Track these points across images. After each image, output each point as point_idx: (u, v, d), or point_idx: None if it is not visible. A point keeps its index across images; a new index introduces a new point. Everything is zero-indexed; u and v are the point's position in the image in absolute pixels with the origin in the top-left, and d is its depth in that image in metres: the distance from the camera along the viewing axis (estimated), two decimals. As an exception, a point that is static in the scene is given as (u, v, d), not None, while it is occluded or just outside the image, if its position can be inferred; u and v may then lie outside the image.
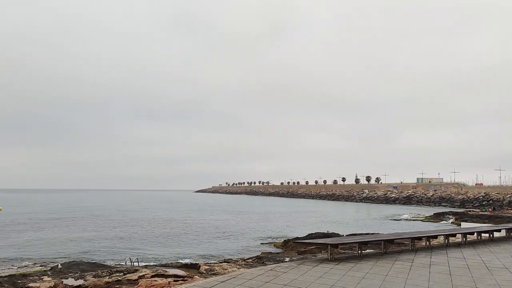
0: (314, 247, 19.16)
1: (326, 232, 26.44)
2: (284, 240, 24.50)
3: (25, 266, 18.12)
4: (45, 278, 13.02)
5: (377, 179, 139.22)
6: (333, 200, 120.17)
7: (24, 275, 13.69)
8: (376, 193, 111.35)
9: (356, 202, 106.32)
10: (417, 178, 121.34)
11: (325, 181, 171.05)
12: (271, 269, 10.14)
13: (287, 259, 17.35)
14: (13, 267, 18.07)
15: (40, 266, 18.01)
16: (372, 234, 23.71)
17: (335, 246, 13.53)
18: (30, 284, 11.93)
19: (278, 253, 21.15)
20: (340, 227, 35.72)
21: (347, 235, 22.54)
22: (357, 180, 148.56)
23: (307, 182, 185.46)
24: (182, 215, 54.47)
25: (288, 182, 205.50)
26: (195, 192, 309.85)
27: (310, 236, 23.68)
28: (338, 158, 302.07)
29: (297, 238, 24.15)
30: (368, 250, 15.35)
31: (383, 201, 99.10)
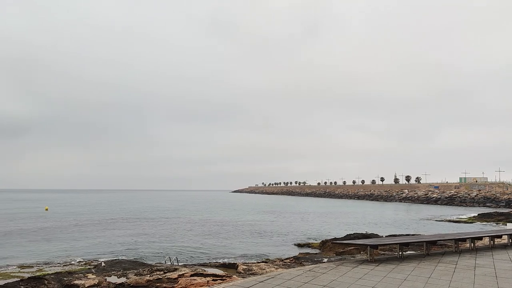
0: (352, 248, 18.87)
1: (364, 232, 25.98)
2: (322, 241, 24.25)
3: (70, 264, 18.81)
4: (90, 275, 13.45)
5: (417, 179, 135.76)
6: (372, 200, 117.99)
7: (69, 273, 14.19)
8: (416, 193, 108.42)
9: (396, 202, 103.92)
10: (459, 178, 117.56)
11: (363, 181, 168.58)
12: (309, 270, 10.06)
13: (325, 259, 17.17)
14: (59, 264, 18.79)
15: (85, 264, 18.64)
16: (413, 235, 23.08)
17: (375, 247, 13.28)
18: (76, 282, 12.35)
19: (315, 253, 20.96)
20: (379, 228, 35.01)
21: (386, 236, 22.06)
22: (396, 180, 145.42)
23: (344, 182, 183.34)
24: (219, 215, 54.96)
25: (325, 182, 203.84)
26: (232, 192, 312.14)
27: (348, 236, 23.30)
28: (376, 158, 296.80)
29: (335, 238, 23.85)
30: (409, 252, 15.00)
31: (424, 201, 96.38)
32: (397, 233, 26.45)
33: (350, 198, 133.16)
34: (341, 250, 19.59)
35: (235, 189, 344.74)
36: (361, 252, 18.18)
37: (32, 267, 18.10)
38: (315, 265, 11.87)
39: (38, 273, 15.68)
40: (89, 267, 17.07)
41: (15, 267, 18.08)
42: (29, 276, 13.83)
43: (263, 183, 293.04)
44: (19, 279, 12.94)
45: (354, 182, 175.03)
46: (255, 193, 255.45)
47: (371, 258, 11.93)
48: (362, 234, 24.55)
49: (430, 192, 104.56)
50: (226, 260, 19.03)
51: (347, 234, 24.79)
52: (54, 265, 18.62)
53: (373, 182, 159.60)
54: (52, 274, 13.89)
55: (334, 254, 19.46)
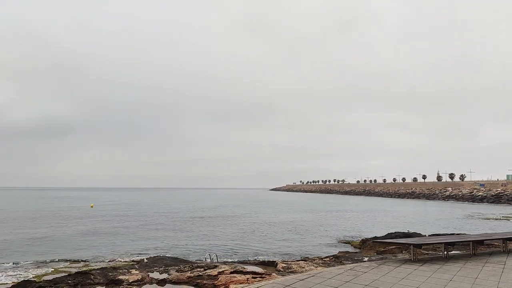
0: (394, 247, 18.46)
1: (406, 231, 25.30)
2: (362, 239, 23.87)
3: (114, 260, 19.40)
4: (133, 271, 13.82)
5: (462, 177, 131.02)
6: (413, 198, 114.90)
7: (114, 268, 14.64)
8: (460, 191, 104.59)
9: (439, 200, 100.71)
10: (507, 175, 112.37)
11: (403, 179, 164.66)
12: (350, 269, 9.91)
13: (366, 258, 16.87)
14: (104, 260, 19.43)
15: (128, 260, 19.18)
16: (458, 234, 22.31)
17: (419, 246, 12.92)
18: (120, 277, 12.72)
19: (355, 252, 20.64)
20: (421, 227, 34.02)
21: (430, 235, 21.43)
22: (439, 178, 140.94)
23: (384, 180, 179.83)
24: (257, 213, 55.13)
25: (365, 180, 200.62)
26: (270, 190, 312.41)
27: (389, 235, 22.80)
28: (416, 155, 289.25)
29: (376, 237, 23.39)
30: (454, 252, 14.49)
31: (469, 199, 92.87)
32: (441, 232, 25.64)
33: (391, 197, 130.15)
34: (382, 249, 19.20)
35: (273, 187, 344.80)
36: (403, 252, 17.76)
37: (79, 262, 18.81)
38: (356, 264, 11.68)
39: (84, 268, 16.27)
40: (132, 263, 17.55)
41: (63, 262, 18.85)
42: (76, 271, 14.38)
43: (301, 181, 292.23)
44: (67, 274, 13.47)
45: (394, 180, 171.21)
46: (293, 191, 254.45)
47: (414, 257, 11.61)
48: (403, 233, 23.93)
49: (475, 190, 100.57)
50: (265, 258, 19.06)
51: (388, 233, 24.27)
52: (100, 260, 19.27)
53: (415, 180, 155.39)
54: (98, 269, 14.38)
55: (375, 253, 19.09)
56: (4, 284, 13.96)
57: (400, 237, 20.25)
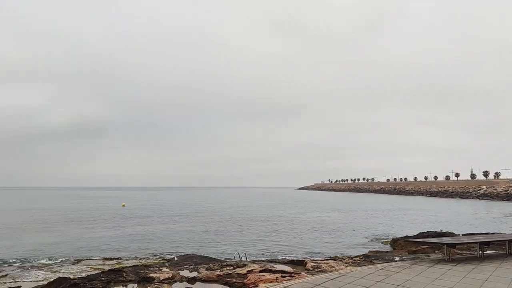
0: (427, 246, 18.06)
1: (439, 231, 24.71)
2: (393, 239, 23.47)
3: (146, 258, 19.76)
4: (164, 269, 14.02)
5: (496, 174, 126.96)
6: (446, 197, 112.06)
7: (145, 266, 14.89)
8: (495, 189, 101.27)
9: (472, 199, 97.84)
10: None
11: (435, 177, 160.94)
12: (381, 268, 9.74)
13: (397, 258, 16.56)
14: (135, 258, 19.82)
15: (159, 258, 19.49)
16: (493, 233, 21.65)
17: (453, 246, 12.60)
18: (151, 275, 12.93)
19: (386, 252, 20.29)
20: (455, 226, 33.15)
21: (463, 235, 20.87)
22: (472, 176, 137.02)
23: (415, 179, 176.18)
24: (285, 212, 55.01)
25: (395, 179, 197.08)
26: (298, 189, 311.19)
27: (421, 235, 22.33)
28: (450, 153, 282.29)
29: (407, 236, 22.95)
30: (489, 251, 14.06)
31: (504, 198, 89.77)
32: (475, 232, 24.91)
33: (422, 195, 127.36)
34: (414, 249, 18.81)
35: (301, 186, 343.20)
36: (436, 251, 17.36)
37: (111, 259, 19.24)
38: (387, 263, 11.48)
39: (117, 266, 16.63)
40: (163, 261, 17.81)
41: (97, 259, 19.33)
42: (109, 268, 14.70)
43: (329, 180, 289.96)
44: (100, 271, 13.79)
45: (426, 178, 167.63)
46: (322, 190, 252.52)
47: (448, 257, 11.33)
48: (436, 232, 23.38)
49: (511, 188, 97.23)
50: (293, 257, 18.98)
51: (420, 232, 23.78)
52: (131, 258, 19.66)
53: (447, 178, 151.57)
54: (129, 267, 14.66)
55: (407, 253, 18.72)
56: (40, 281, 14.44)
57: (433, 237, 19.82)
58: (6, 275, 15.80)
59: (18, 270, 16.92)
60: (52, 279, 12.85)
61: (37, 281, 14.44)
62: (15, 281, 14.50)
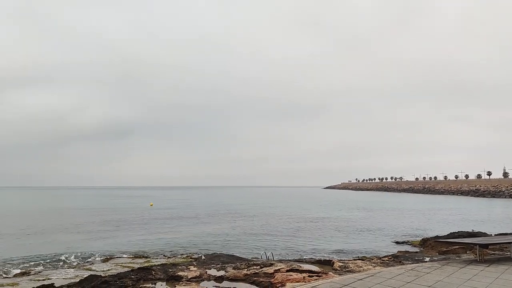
0: (458, 247, 17.63)
1: (471, 231, 24.08)
2: (423, 239, 23.01)
3: (174, 256, 20.02)
4: (192, 267, 14.17)
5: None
6: (477, 196, 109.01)
7: (174, 264, 15.10)
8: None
9: (506, 198, 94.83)
10: None
11: (466, 176, 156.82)
12: (411, 269, 9.56)
13: (427, 259, 16.23)
14: (164, 256, 20.11)
15: (186, 256, 19.71)
16: (528, 234, 20.90)
17: (485, 246, 12.26)
18: (179, 273, 13.09)
19: (416, 252, 19.92)
20: (486, 226, 32.21)
21: (496, 235, 20.29)
22: (505, 174, 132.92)
23: (445, 177, 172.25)
24: (312, 211, 54.69)
25: (424, 178, 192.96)
26: (324, 188, 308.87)
27: (452, 235, 21.80)
28: (481, 151, 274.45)
29: (437, 236, 22.46)
30: (524, 252, 13.59)
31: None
32: (508, 232, 24.15)
33: (453, 194, 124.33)
34: (445, 249, 18.40)
35: (327, 186, 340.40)
36: (468, 252, 16.91)
37: (140, 258, 19.60)
38: (417, 264, 11.27)
39: (146, 264, 16.92)
40: (190, 259, 18.01)
41: (126, 257, 19.73)
42: (139, 266, 14.98)
43: (356, 179, 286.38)
44: (130, 269, 14.05)
45: (456, 177, 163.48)
46: (349, 189, 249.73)
47: (480, 258, 11.03)
48: (467, 232, 22.78)
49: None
50: (320, 257, 18.85)
51: (451, 232, 23.23)
52: (160, 257, 19.97)
53: (479, 176, 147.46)
54: (158, 265, 14.89)
55: (437, 253, 18.34)
56: (71, 278, 14.83)
57: (464, 237, 19.33)
58: (39, 272, 16.30)
59: (50, 267, 17.43)
60: (84, 277, 13.18)
61: (68, 278, 14.84)
62: (48, 279, 14.94)
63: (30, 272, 16.22)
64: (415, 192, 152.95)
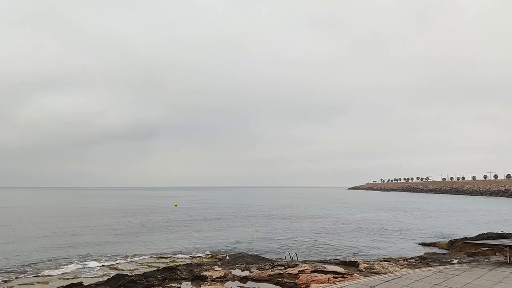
0: (487, 248, 17.19)
1: (500, 232, 23.46)
2: (450, 240, 22.53)
3: (198, 256, 20.18)
4: (216, 268, 14.26)
5: None
6: (507, 196, 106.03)
7: (198, 264, 15.22)
8: None
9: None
10: None
11: (495, 176, 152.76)
12: (439, 271, 9.38)
13: (455, 261, 15.88)
14: (188, 256, 20.29)
15: (211, 257, 19.85)
16: (562, 236, 20.20)
17: (515, 248, 11.89)
18: (204, 273, 13.19)
19: (443, 254, 19.53)
20: (518, 227, 31.31)
21: (528, 237, 19.65)
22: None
23: (474, 177, 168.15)
24: (336, 212, 54.23)
25: (451, 178, 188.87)
26: (348, 189, 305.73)
27: (481, 236, 21.26)
28: (511, 150, 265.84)
29: (466, 238, 21.95)
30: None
31: None
32: (541, 234, 23.40)
33: (481, 195, 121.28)
34: (473, 251, 17.97)
35: (351, 186, 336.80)
36: (497, 254, 16.47)
37: (166, 257, 19.83)
38: (445, 266, 11.04)
39: (171, 264, 17.12)
40: (215, 259, 18.13)
41: (152, 257, 20.00)
42: (164, 266, 15.16)
43: (381, 180, 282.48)
44: (155, 269, 14.24)
45: (485, 177, 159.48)
46: (373, 189, 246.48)
47: (510, 260, 10.72)
48: (497, 233, 22.19)
49: None
50: (345, 258, 18.68)
51: (479, 234, 22.66)
52: (185, 257, 20.16)
53: (508, 176, 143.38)
54: (183, 265, 15.05)
55: (465, 255, 17.92)
56: (99, 277, 15.14)
57: (493, 238, 18.84)
58: (68, 271, 16.70)
59: (79, 266, 17.83)
60: (111, 276, 13.44)
61: (96, 277, 15.15)
62: (77, 277, 15.30)
63: (59, 271, 16.63)
64: (442, 193, 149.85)
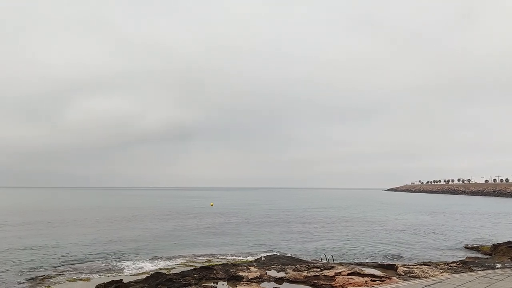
0: (534, 254, 16.44)
1: (548, 237, 22.40)
2: (493, 244, 21.69)
3: (234, 257, 20.33)
4: (252, 268, 14.32)
5: None
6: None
7: (234, 265, 15.32)
8: None
9: None
10: None
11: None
12: (482, 276, 9.05)
13: (499, 265, 15.28)
14: (224, 256, 20.47)
15: (246, 257, 19.94)
16: None
17: None
18: (240, 273, 13.27)
19: (486, 258, 18.83)
20: None
21: None
22: None
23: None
24: (373, 214, 53.30)
25: (494, 180, 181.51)
26: (386, 190, 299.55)
27: (527, 241, 20.37)
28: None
29: (510, 242, 21.06)
30: None
31: None
32: None
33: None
34: (519, 256, 17.24)
35: (389, 188, 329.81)
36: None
37: (202, 257, 20.09)
38: (488, 271, 10.65)
39: (207, 263, 17.34)
40: (250, 260, 18.20)
41: (188, 256, 20.31)
42: (201, 266, 15.37)
43: (419, 181, 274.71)
44: (192, 268, 14.46)
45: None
46: (411, 191, 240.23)
47: (560, 267, 10.21)
48: (545, 238, 21.20)
49: None
50: (383, 261, 18.34)
51: (525, 238, 21.72)
52: (220, 256, 20.36)
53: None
54: (219, 265, 15.20)
55: (509, 260, 17.21)
56: (138, 274, 15.54)
57: (541, 243, 18.00)
58: (109, 269, 17.22)
59: (119, 264, 18.37)
60: (150, 274, 13.75)
61: (135, 275, 15.55)
62: (117, 274, 15.76)
63: (100, 269, 17.18)
64: (484, 195, 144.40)
